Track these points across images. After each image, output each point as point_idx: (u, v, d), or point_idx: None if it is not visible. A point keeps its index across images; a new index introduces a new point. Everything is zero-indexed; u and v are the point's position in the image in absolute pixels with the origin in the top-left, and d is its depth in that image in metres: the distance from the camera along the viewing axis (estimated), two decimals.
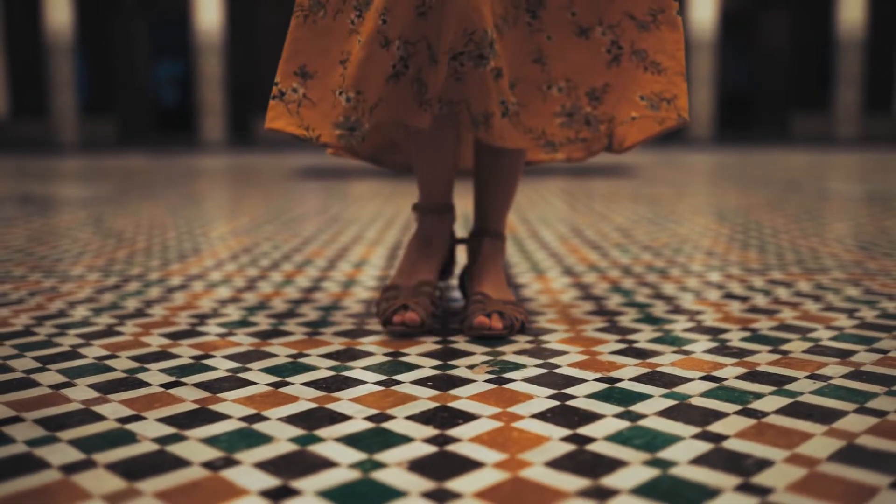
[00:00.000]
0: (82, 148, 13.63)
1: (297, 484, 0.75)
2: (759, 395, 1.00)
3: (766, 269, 1.92)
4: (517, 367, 1.13)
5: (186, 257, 2.17)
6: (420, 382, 1.07)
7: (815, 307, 1.50)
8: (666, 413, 0.94)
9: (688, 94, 1.41)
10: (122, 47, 17.99)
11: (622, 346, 1.24)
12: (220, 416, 0.94)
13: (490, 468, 0.79)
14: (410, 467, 0.79)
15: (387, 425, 0.91)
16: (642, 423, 0.91)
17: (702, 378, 1.07)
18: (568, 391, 1.02)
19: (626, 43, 1.34)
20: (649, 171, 6.30)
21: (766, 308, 1.50)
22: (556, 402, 0.98)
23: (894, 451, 0.82)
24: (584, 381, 1.07)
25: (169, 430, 0.90)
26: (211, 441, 0.86)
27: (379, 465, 0.80)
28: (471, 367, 1.14)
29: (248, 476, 0.77)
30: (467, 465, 0.80)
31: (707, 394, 1.01)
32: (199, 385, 1.06)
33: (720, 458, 0.80)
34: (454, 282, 1.80)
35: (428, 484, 0.75)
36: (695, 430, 0.88)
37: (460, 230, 2.65)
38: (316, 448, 0.84)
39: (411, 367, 1.14)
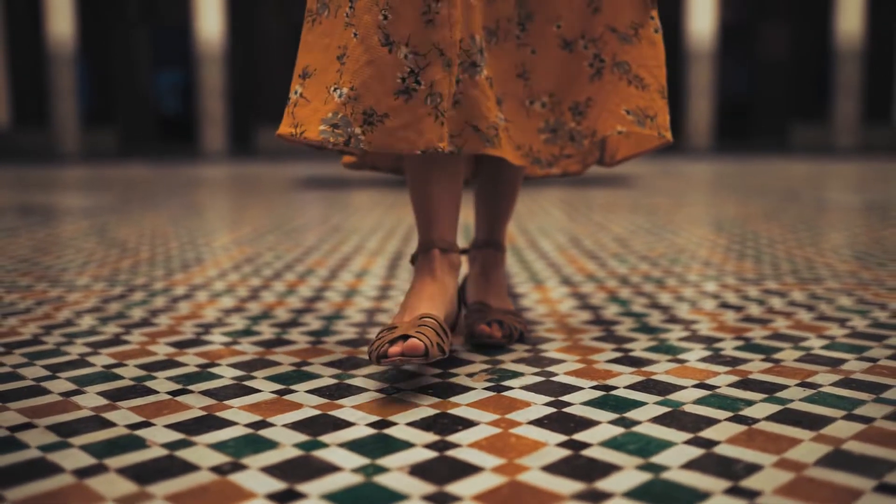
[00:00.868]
0: (83, 158, 13.68)
1: (302, 487, 0.78)
2: (750, 403, 1.03)
3: (761, 279, 1.95)
4: (515, 374, 1.16)
5: (190, 267, 2.20)
6: (421, 390, 1.10)
7: (808, 317, 1.53)
8: (659, 419, 0.97)
9: (667, 112, 1.39)
10: (124, 57, 18.06)
11: (618, 354, 1.27)
12: (227, 423, 0.97)
13: (488, 472, 0.81)
14: (411, 472, 0.82)
15: (388, 431, 0.94)
16: (636, 429, 0.94)
17: (695, 386, 1.10)
18: (564, 398, 1.05)
19: (608, 56, 1.34)
20: (648, 181, 6.33)
21: (760, 318, 1.53)
22: (552, 409, 1.01)
23: (880, 455, 0.85)
24: (580, 388, 1.10)
25: (177, 435, 0.93)
26: (218, 446, 0.89)
27: (381, 470, 0.82)
28: (470, 375, 1.17)
29: (255, 480, 0.80)
30: (467, 469, 0.82)
31: (700, 401, 1.04)
32: (205, 393, 1.09)
33: (711, 463, 0.83)
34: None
35: (428, 488, 0.78)
36: (687, 435, 0.91)
37: (461, 240, 2.69)
38: (320, 453, 0.87)
39: (412, 375, 1.17)
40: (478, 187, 1.54)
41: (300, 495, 0.76)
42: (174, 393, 1.09)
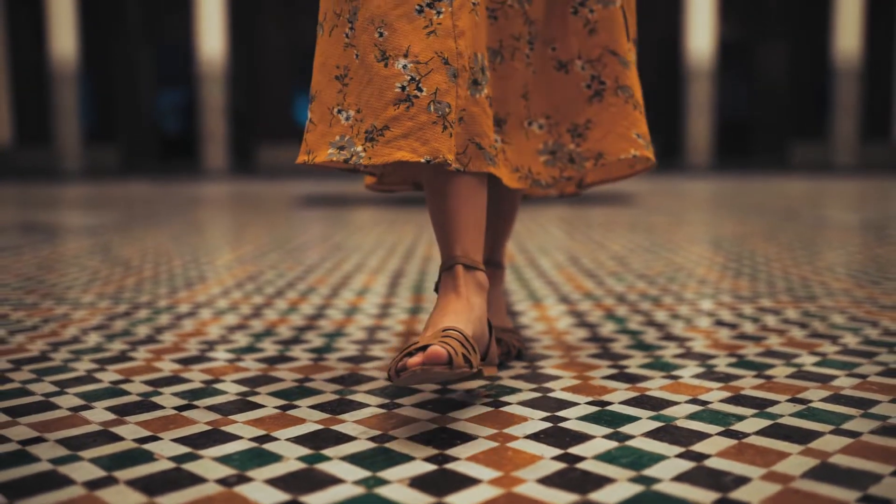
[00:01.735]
0: (85, 175, 13.74)
1: (305, 499, 0.81)
2: (741, 418, 1.05)
3: (756, 296, 1.98)
4: (513, 391, 1.19)
5: (193, 285, 2.23)
6: (421, 405, 1.13)
7: (800, 334, 1.56)
8: (652, 434, 1.00)
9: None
10: (126, 75, 18.16)
11: (613, 371, 1.30)
12: (232, 437, 1.00)
13: (486, 485, 0.84)
14: (411, 484, 0.85)
15: (389, 445, 0.97)
16: (630, 443, 0.96)
17: (688, 401, 1.13)
18: (560, 413, 1.08)
19: (609, 78, 1.35)
20: (647, 199, 6.37)
21: (754, 335, 1.56)
22: (549, 424, 1.04)
23: (865, 468, 0.87)
24: (576, 404, 1.12)
25: (184, 449, 0.96)
26: (224, 460, 0.92)
27: (382, 482, 0.85)
28: (469, 391, 1.20)
29: (260, 492, 0.83)
30: (465, 481, 0.85)
31: (692, 416, 1.06)
32: (210, 408, 1.12)
33: (701, 476, 0.86)
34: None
35: (428, 499, 0.81)
36: (679, 449, 0.94)
37: None
38: (323, 466, 0.90)
39: (413, 391, 1.20)
40: None
41: None
42: (180, 408, 1.12)
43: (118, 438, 1.00)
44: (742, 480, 0.84)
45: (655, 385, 1.22)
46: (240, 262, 2.73)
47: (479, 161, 1.19)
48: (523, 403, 1.13)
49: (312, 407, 1.12)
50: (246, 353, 1.45)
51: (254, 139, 18.38)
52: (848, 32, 16.20)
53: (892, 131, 18.20)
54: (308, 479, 0.86)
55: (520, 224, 4.19)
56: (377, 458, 0.92)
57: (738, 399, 1.14)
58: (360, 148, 1.13)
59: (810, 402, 1.12)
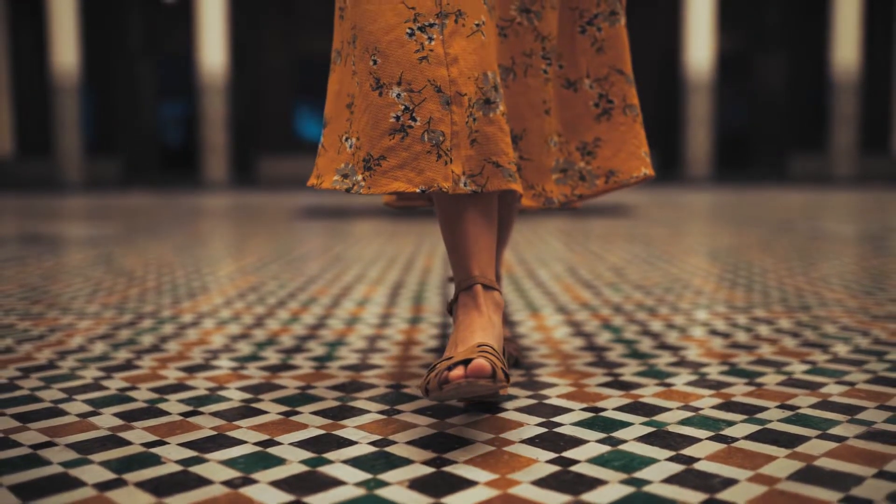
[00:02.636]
0: (86, 187, 13.78)
1: (308, 500, 0.84)
2: (731, 423, 1.09)
3: (750, 307, 2.01)
4: (510, 397, 1.22)
5: (196, 296, 2.27)
6: (420, 411, 1.16)
7: (792, 343, 1.59)
8: (644, 438, 1.03)
9: None
10: (127, 87, 18.25)
11: (608, 379, 1.33)
12: (237, 441, 1.03)
13: (482, 486, 0.87)
14: (410, 485, 0.88)
15: (389, 449, 1.00)
16: (622, 447, 1.00)
17: (680, 407, 1.16)
18: (556, 419, 1.11)
19: (617, 97, 1.37)
20: (646, 211, 6.41)
21: (747, 344, 1.59)
22: (544, 429, 1.07)
23: (848, 471, 0.90)
24: (570, 410, 1.16)
25: (190, 453, 0.99)
26: (229, 463, 0.95)
27: (382, 484, 0.88)
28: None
29: (265, 493, 0.86)
30: (462, 483, 0.88)
31: (684, 422, 1.10)
32: (215, 414, 1.15)
33: (690, 478, 0.89)
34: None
35: (426, 500, 0.84)
36: (669, 453, 0.97)
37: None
38: (325, 469, 0.93)
39: (412, 397, 1.23)
40: None
41: None
42: (185, 414, 1.15)
43: (126, 443, 1.03)
44: (730, 482, 0.88)
45: (649, 392, 1.25)
46: (242, 273, 2.76)
47: (498, 179, 1.17)
48: (520, 410, 1.16)
49: (314, 413, 1.15)
50: (249, 361, 1.48)
51: (254, 151, 18.44)
52: (846, 44, 16.28)
53: (892, 143, 18.27)
54: (311, 481, 0.89)
55: (519, 235, 4.23)
56: (377, 462, 0.95)
57: (728, 405, 1.17)
58: (360, 177, 1.16)
59: (799, 408, 1.15)
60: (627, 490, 0.86)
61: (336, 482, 0.89)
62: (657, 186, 12.92)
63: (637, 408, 1.17)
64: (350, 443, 1.02)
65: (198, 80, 16.30)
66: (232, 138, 18.24)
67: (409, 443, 1.02)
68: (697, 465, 0.93)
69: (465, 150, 1.15)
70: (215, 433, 1.07)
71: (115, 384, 1.32)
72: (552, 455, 0.97)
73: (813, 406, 1.16)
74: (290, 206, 7.72)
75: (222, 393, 1.27)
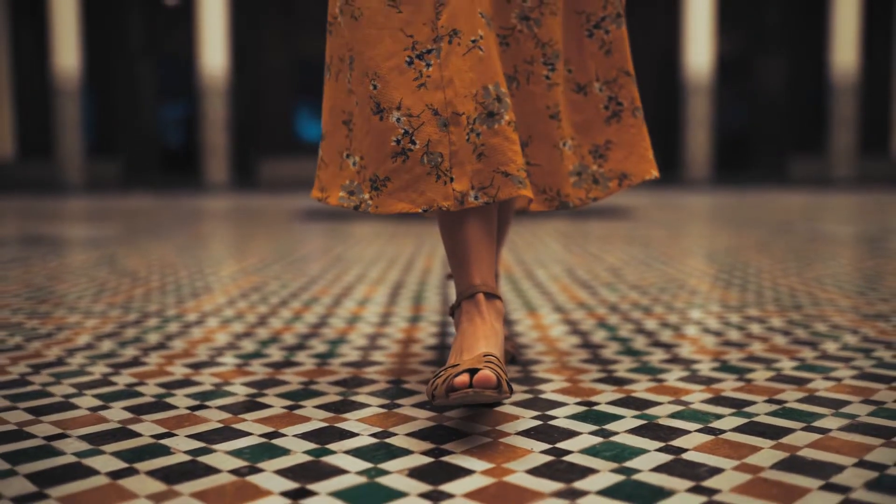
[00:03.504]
0: (87, 189, 13.84)
1: (312, 487, 0.88)
2: (719, 416, 1.13)
3: (743, 306, 2.05)
4: None
5: (200, 295, 2.31)
6: (419, 405, 1.20)
7: (783, 341, 1.63)
8: (635, 431, 1.07)
9: None
10: (128, 89, 18.30)
11: (602, 375, 1.37)
12: (243, 433, 1.07)
13: (479, 475, 0.91)
14: (410, 474, 0.92)
15: (390, 441, 1.04)
16: (614, 438, 1.04)
17: (671, 402, 1.20)
18: (550, 413, 1.15)
19: (626, 100, 1.38)
20: (645, 212, 6.45)
21: (738, 342, 1.63)
22: (539, 422, 1.11)
23: (830, 460, 0.94)
24: (565, 404, 1.20)
25: (198, 444, 1.03)
26: (236, 453, 0.99)
27: (383, 472, 0.92)
28: None
29: (271, 481, 0.90)
30: (459, 472, 0.92)
31: (674, 415, 1.14)
32: (221, 408, 1.19)
33: (678, 467, 0.93)
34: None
35: (425, 487, 0.88)
36: (659, 444, 1.01)
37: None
38: (328, 459, 0.97)
39: (412, 392, 1.27)
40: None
41: (311, 493, 0.86)
42: (192, 408, 1.19)
43: (136, 435, 1.07)
44: (715, 471, 0.91)
45: (641, 387, 1.29)
46: (244, 273, 2.80)
47: (508, 187, 1.18)
48: (516, 404, 1.20)
49: (317, 407, 1.19)
50: (253, 358, 1.52)
51: (255, 153, 18.50)
52: (845, 47, 16.32)
53: (891, 145, 18.32)
54: (315, 470, 0.93)
55: (518, 237, 4.27)
56: (378, 452, 0.99)
57: (718, 400, 1.21)
58: (367, 196, 1.21)
59: (786, 402, 1.19)
60: (617, 478, 0.90)
61: (339, 471, 0.93)
62: (657, 188, 12.96)
63: (629, 402, 1.20)
64: (352, 434, 1.06)
65: (198, 81, 16.35)
66: (232, 140, 18.29)
67: (408, 435, 1.06)
68: (685, 455, 0.97)
69: (470, 165, 1.17)
70: (221, 426, 1.11)
71: (123, 380, 1.36)
72: (546, 446, 1.01)
73: (799, 400, 1.20)
74: (291, 207, 7.76)
75: (227, 388, 1.31)
